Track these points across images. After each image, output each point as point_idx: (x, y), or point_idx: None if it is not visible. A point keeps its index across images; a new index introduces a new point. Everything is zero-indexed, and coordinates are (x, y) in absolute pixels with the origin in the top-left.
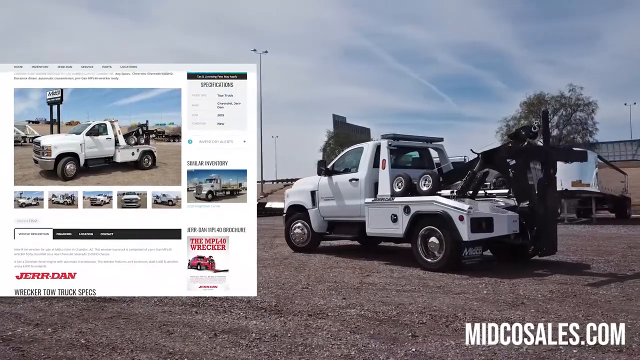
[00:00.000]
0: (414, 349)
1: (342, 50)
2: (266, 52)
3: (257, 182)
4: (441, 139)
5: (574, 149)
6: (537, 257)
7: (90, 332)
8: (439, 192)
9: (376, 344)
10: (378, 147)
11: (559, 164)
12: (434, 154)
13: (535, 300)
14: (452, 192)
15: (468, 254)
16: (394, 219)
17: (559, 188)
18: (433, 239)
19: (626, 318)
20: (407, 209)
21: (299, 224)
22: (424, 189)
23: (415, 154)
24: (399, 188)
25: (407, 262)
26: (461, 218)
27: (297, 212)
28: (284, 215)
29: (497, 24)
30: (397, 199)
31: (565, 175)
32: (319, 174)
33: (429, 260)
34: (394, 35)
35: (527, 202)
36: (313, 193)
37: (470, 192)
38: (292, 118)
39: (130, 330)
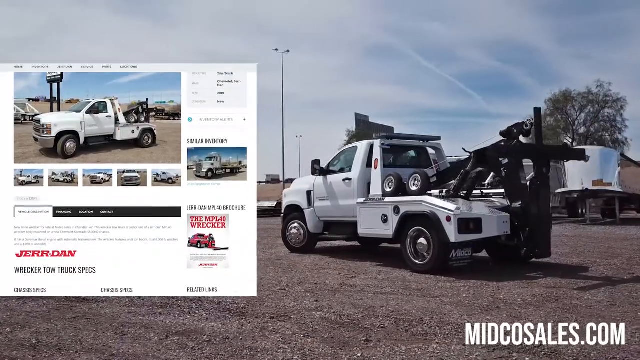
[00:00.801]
0: (359, 354)
1: (366, 48)
2: (288, 51)
3: (280, 181)
4: (438, 138)
5: (576, 147)
6: (535, 259)
7: (46, 332)
8: (429, 192)
9: (324, 348)
10: (371, 147)
11: (579, 163)
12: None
13: (512, 305)
14: (440, 192)
15: (456, 256)
16: (385, 219)
17: (578, 187)
18: (422, 240)
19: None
20: (396, 209)
21: (296, 225)
22: (414, 188)
23: (413, 153)
24: (390, 188)
25: (399, 264)
26: (448, 219)
27: (294, 212)
28: (282, 215)
29: (526, 19)
30: (387, 199)
31: (586, 174)
32: (313, 173)
33: (417, 261)
34: (419, 32)
35: (520, 203)
36: (309, 193)
37: (465, 192)
38: (316, 117)
39: (86, 331)
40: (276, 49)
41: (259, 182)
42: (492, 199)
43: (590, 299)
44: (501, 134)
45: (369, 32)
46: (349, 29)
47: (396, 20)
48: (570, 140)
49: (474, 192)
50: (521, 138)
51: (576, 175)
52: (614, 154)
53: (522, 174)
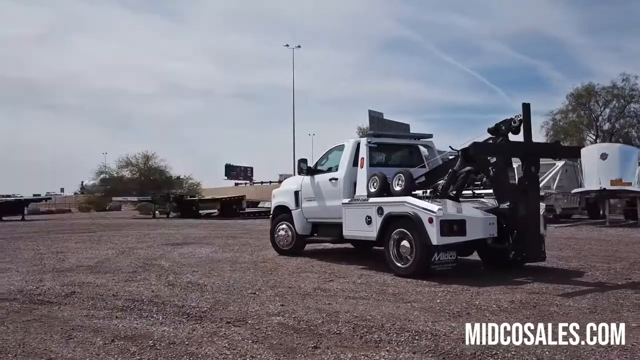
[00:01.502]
0: None
1: (382, 42)
2: (299, 47)
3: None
4: (430, 136)
5: (570, 145)
6: (530, 263)
7: None
8: (415, 193)
9: (268, 355)
10: (358, 145)
11: (597, 161)
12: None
13: (485, 311)
14: (424, 192)
15: (439, 259)
16: (369, 220)
17: (596, 187)
18: (404, 243)
19: None
20: (380, 210)
21: (284, 226)
22: (397, 188)
23: (405, 152)
24: (374, 188)
25: (385, 267)
26: (430, 220)
27: (282, 213)
28: (270, 216)
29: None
30: (371, 199)
31: (604, 173)
32: (299, 173)
33: (399, 265)
34: (438, 24)
35: (508, 203)
36: (296, 193)
37: (454, 192)
38: (330, 115)
39: (35, 334)
40: (287, 45)
41: (270, 182)
42: (483, 199)
43: (570, 306)
44: (489, 131)
45: (385, 26)
46: (364, 22)
47: (414, 13)
48: (594, 137)
49: (466, 192)
50: (511, 136)
51: (594, 175)
52: (635, 151)
53: (510, 173)
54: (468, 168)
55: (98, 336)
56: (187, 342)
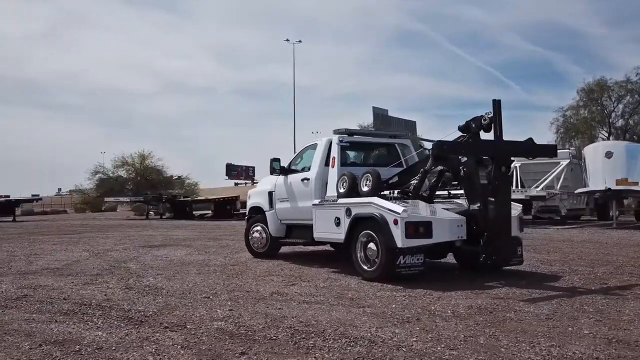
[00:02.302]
0: None
1: (391, 36)
2: (299, 41)
3: None
4: (406, 134)
5: (547, 144)
6: (508, 267)
7: None
8: (384, 193)
9: None
10: (331, 144)
11: (602, 160)
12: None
13: (437, 317)
14: (391, 192)
15: (405, 263)
16: (337, 222)
17: (601, 187)
18: (371, 245)
19: (509, 338)
20: (348, 212)
21: (258, 228)
22: (365, 189)
23: (383, 151)
24: (343, 188)
25: (355, 271)
26: (395, 222)
27: (256, 214)
28: (246, 217)
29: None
30: (340, 200)
31: (610, 172)
32: (271, 173)
33: (366, 268)
34: (450, 16)
35: (478, 205)
36: (270, 194)
37: (427, 192)
38: (337, 112)
39: None
40: (287, 40)
41: None
42: (458, 200)
43: (529, 312)
44: (459, 129)
45: (393, 18)
46: (371, 15)
47: (424, 4)
48: (607, 135)
49: (443, 193)
50: (483, 134)
51: (599, 174)
52: None
53: (481, 173)
54: (440, 168)
55: (27, 341)
56: (114, 348)
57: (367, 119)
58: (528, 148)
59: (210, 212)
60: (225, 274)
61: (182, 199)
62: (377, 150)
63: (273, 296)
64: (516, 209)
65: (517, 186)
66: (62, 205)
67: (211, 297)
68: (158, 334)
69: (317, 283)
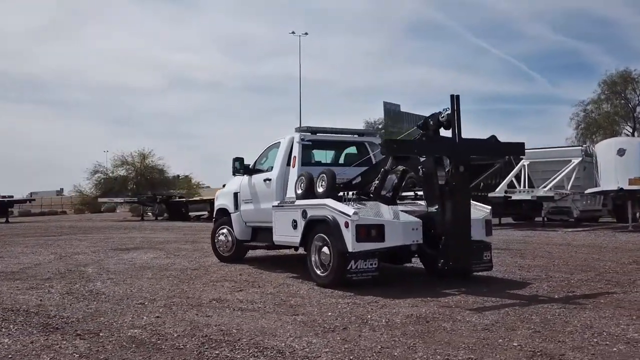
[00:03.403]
0: None
1: (407, 26)
2: (306, 34)
3: None
4: (375, 133)
5: (514, 142)
6: (476, 273)
7: None
8: (342, 194)
9: None
10: (293, 142)
11: (614, 158)
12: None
13: (366, 326)
14: (345, 194)
15: (356, 268)
16: (294, 225)
17: (613, 187)
18: (325, 249)
19: (427, 350)
20: (304, 214)
21: (224, 230)
22: (320, 190)
23: (352, 150)
24: (301, 189)
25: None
26: (347, 224)
27: (223, 216)
28: (213, 219)
29: None
30: (297, 202)
31: (623, 171)
32: (234, 173)
33: (319, 273)
34: (471, 5)
35: (436, 207)
36: (236, 195)
37: (390, 193)
38: (350, 107)
39: None
40: (292, 32)
41: None
42: (422, 202)
43: (469, 322)
44: (418, 126)
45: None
46: (386, 5)
47: None
48: (631, 130)
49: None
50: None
51: (610, 173)
52: None
53: (440, 173)
54: (402, 167)
55: None
56: (10, 356)
57: (379, 115)
58: (491, 146)
59: (206, 213)
60: (179, 279)
61: (177, 199)
62: (345, 149)
63: (211, 303)
64: (482, 212)
65: (524, 186)
66: (61, 206)
67: (147, 303)
68: (65, 342)
69: (267, 289)
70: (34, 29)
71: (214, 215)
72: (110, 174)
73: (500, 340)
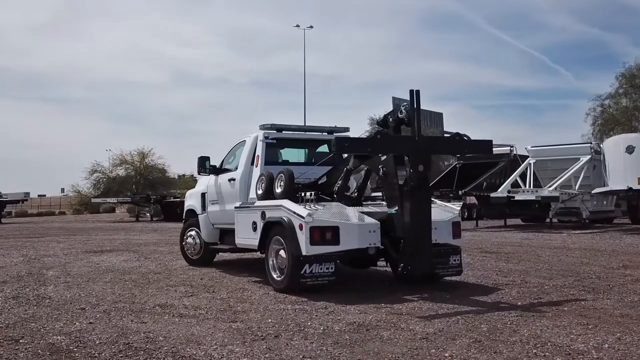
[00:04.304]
0: None
1: (423, 18)
2: (311, 27)
3: None
4: (346, 129)
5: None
6: (448, 277)
7: None
8: (301, 195)
9: None
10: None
11: (622, 156)
12: None
13: (299, 335)
14: (300, 194)
15: (311, 272)
16: (254, 227)
17: (621, 186)
18: (282, 253)
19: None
20: (263, 215)
21: (192, 233)
22: (278, 190)
23: (325, 149)
24: (261, 190)
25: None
26: (301, 227)
27: (191, 217)
28: (183, 221)
29: None
30: (257, 203)
31: (632, 170)
32: (199, 173)
33: (276, 278)
34: None
35: (396, 208)
36: (203, 195)
37: (355, 193)
38: (361, 104)
39: None
40: (297, 25)
41: None
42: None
43: (411, 331)
44: (378, 123)
45: None
46: None
47: None
48: None
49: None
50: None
51: (619, 171)
52: None
53: (401, 173)
54: (365, 167)
55: None
56: None
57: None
58: (453, 144)
59: None
60: (136, 283)
61: (172, 199)
62: (317, 148)
63: (154, 309)
64: (449, 213)
65: (530, 185)
66: (59, 207)
67: (88, 308)
68: None
69: (221, 294)
70: (35, 25)
71: (184, 217)
72: (109, 174)
73: (434, 350)
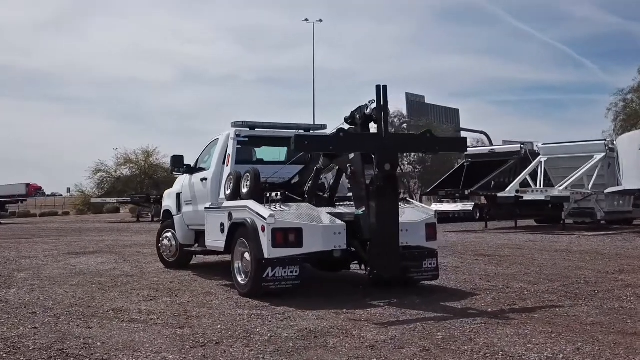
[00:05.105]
0: None
1: (439, 10)
2: (320, 21)
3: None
4: (324, 127)
5: (455, 137)
6: (427, 282)
7: None
8: (268, 195)
9: None
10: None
11: (636, 153)
12: None
13: (241, 342)
14: (266, 195)
15: (274, 276)
16: (222, 228)
17: (635, 186)
18: (246, 255)
19: None
20: (230, 217)
21: (169, 234)
22: (244, 190)
23: None
24: (229, 190)
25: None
26: (263, 228)
27: (168, 219)
28: (161, 222)
29: None
30: (225, 203)
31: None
32: (171, 172)
33: (240, 282)
34: None
35: (363, 209)
36: (178, 196)
37: (328, 193)
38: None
39: None
40: (306, 20)
41: None
42: None
43: (362, 338)
44: (346, 120)
45: None
46: None
47: None
48: None
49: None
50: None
51: (633, 170)
52: None
53: (368, 172)
54: (334, 166)
55: None
56: None
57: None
58: (423, 142)
59: None
60: (102, 286)
61: None
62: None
63: (107, 313)
64: (423, 214)
65: (540, 184)
66: (63, 207)
67: (39, 312)
68: None
69: (182, 299)
70: (39, 23)
71: (161, 218)
72: (114, 173)
73: (375, 359)
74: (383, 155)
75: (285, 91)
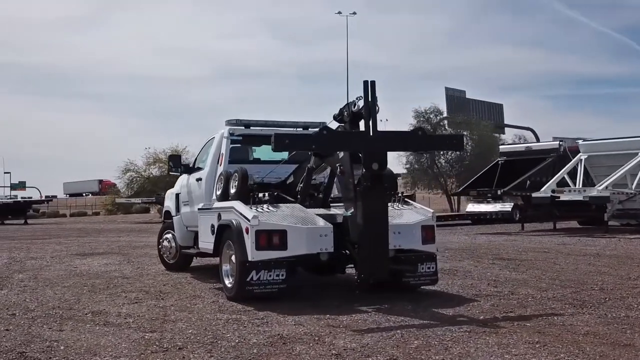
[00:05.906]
0: None
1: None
2: (354, 13)
3: None
4: (322, 124)
5: (448, 134)
6: (424, 287)
7: None
8: (255, 195)
9: None
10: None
11: None
12: None
13: (208, 346)
14: (255, 195)
15: (258, 279)
16: (212, 230)
17: None
18: (233, 258)
19: None
20: (219, 218)
21: (169, 236)
22: (232, 191)
23: None
24: (219, 190)
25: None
26: (247, 230)
27: (168, 219)
28: (162, 223)
29: None
30: (215, 204)
31: None
32: (169, 172)
33: (227, 285)
34: None
35: (352, 210)
36: (177, 196)
37: (321, 194)
38: (414, 95)
39: None
40: (339, 12)
41: None
42: None
43: (333, 345)
44: (334, 117)
45: None
46: None
47: None
48: None
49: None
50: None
51: None
52: None
53: (357, 172)
54: (326, 165)
55: None
56: None
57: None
58: (413, 140)
59: None
60: (93, 288)
61: None
62: None
63: (86, 316)
64: (419, 216)
65: (580, 184)
66: (92, 207)
67: (19, 314)
68: None
69: (167, 302)
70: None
71: (162, 219)
72: (143, 173)
73: None
74: (370, 154)
75: (321, 85)
